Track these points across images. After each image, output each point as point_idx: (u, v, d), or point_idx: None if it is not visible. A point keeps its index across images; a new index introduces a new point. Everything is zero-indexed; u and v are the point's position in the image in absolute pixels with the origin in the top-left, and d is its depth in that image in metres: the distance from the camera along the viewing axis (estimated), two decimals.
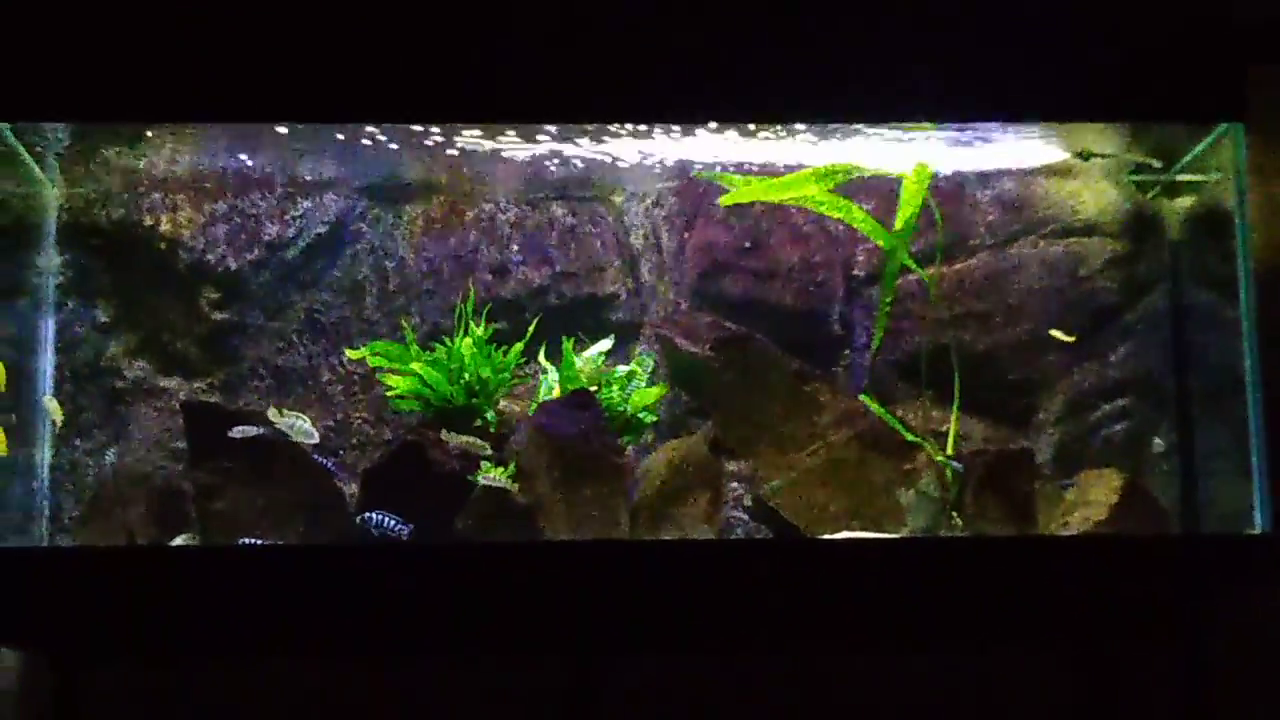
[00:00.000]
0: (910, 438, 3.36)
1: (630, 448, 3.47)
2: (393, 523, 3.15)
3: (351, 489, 3.39)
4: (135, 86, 3.10)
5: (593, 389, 3.38)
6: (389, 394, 3.46)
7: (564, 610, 3.11)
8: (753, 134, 3.35)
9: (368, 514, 3.18)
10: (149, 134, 3.40)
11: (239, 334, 3.69)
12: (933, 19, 3.16)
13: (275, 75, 3.11)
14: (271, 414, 3.29)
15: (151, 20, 3.09)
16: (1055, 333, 3.61)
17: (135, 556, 3.15)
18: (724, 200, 3.49)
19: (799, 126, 3.30)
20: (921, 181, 3.38)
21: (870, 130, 3.29)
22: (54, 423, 3.53)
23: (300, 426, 3.27)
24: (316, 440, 3.28)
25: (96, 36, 3.08)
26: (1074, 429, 3.67)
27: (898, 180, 3.42)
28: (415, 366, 3.40)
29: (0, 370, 3.29)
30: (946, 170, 3.62)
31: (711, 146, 3.45)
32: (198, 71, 3.09)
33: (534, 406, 3.41)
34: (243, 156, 3.61)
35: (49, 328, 3.61)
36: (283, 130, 3.35)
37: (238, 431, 3.23)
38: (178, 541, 3.27)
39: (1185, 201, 3.67)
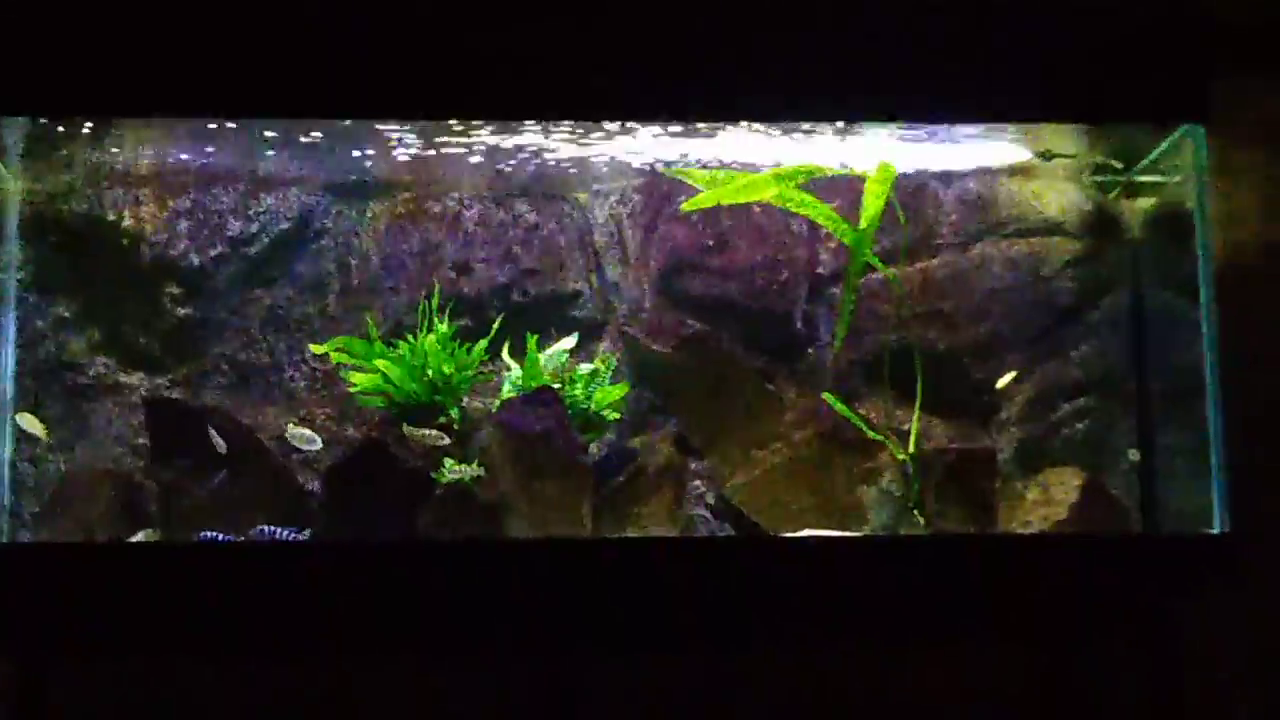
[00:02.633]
0: (872, 436, 3.38)
1: (592, 445, 3.47)
2: (285, 533, 3.15)
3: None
4: (102, 80, 3.09)
5: (556, 386, 3.38)
6: (353, 390, 3.46)
7: (525, 608, 3.11)
8: (718, 132, 3.36)
9: (260, 528, 3.18)
10: (113, 128, 3.38)
11: (202, 330, 3.67)
12: (896, 20, 3.17)
13: (248, 69, 3.10)
14: (289, 432, 3.33)
15: (121, 11, 3.08)
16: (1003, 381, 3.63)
17: (95, 553, 3.14)
18: (686, 206, 3.48)
19: (764, 125, 3.31)
20: (884, 181, 3.38)
21: (834, 129, 3.30)
22: (39, 438, 3.52)
23: (302, 434, 3.29)
24: (319, 445, 3.27)
25: (59, 30, 3.07)
26: (1035, 427, 3.69)
27: (861, 180, 3.43)
28: (379, 363, 3.39)
29: None
30: (910, 170, 3.63)
31: (677, 144, 3.46)
32: (163, 65, 3.08)
33: (497, 404, 3.41)
34: (207, 151, 3.59)
35: (9, 323, 3.59)
36: (247, 125, 3.34)
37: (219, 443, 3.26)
38: (138, 538, 3.26)
39: (1146, 202, 3.69)
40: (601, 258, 3.79)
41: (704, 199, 3.45)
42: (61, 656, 3.37)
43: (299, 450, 3.46)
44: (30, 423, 3.48)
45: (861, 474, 3.36)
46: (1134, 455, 3.64)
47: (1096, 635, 3.46)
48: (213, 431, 3.27)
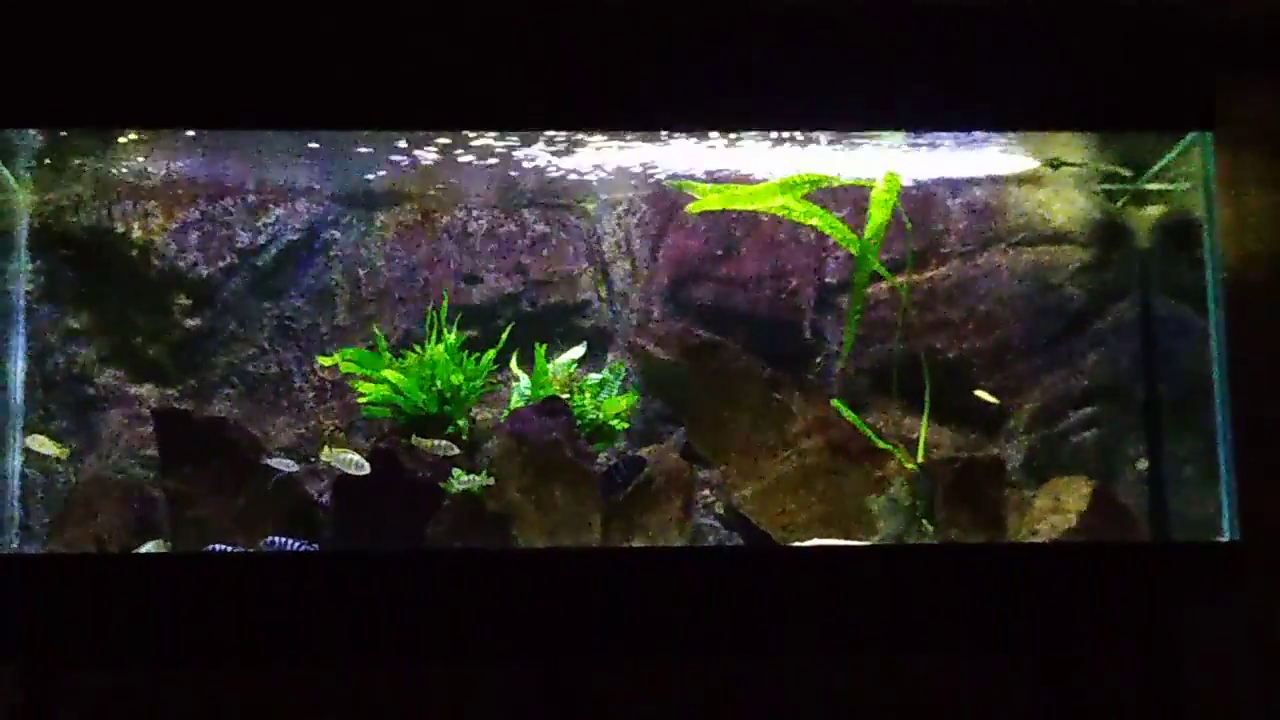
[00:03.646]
0: (881, 445, 3.37)
1: (601, 454, 3.47)
2: (295, 544, 3.15)
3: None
4: (109, 92, 3.10)
5: (564, 396, 3.39)
6: (361, 401, 3.46)
7: (534, 617, 3.10)
8: (727, 142, 3.36)
9: (271, 539, 3.18)
10: (122, 140, 3.39)
11: (211, 341, 3.68)
12: (908, 30, 3.17)
13: (254, 80, 3.11)
14: (324, 454, 3.31)
15: (126, 24, 3.09)
16: (981, 394, 3.63)
17: (105, 563, 3.14)
18: (691, 208, 3.50)
19: (772, 134, 3.31)
20: (891, 190, 3.39)
21: (839, 139, 3.31)
22: (57, 458, 3.53)
23: (351, 459, 3.27)
24: (367, 471, 3.26)
25: (65, 42, 3.08)
26: (1044, 436, 3.69)
27: (868, 189, 3.43)
28: (387, 374, 3.39)
29: None
30: (916, 179, 3.63)
31: (685, 155, 3.46)
32: (166, 77, 3.09)
33: (506, 414, 3.41)
34: (215, 163, 3.60)
35: (19, 335, 3.59)
36: (256, 136, 3.36)
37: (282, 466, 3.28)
38: (147, 548, 3.26)
39: (1154, 210, 3.69)
40: (610, 267, 3.79)
41: (709, 202, 3.46)
42: (71, 666, 3.37)
43: (308, 462, 3.47)
44: (42, 444, 3.49)
45: (870, 483, 3.36)
46: (1143, 464, 3.64)
47: (1105, 644, 3.45)
48: (273, 461, 3.28)
